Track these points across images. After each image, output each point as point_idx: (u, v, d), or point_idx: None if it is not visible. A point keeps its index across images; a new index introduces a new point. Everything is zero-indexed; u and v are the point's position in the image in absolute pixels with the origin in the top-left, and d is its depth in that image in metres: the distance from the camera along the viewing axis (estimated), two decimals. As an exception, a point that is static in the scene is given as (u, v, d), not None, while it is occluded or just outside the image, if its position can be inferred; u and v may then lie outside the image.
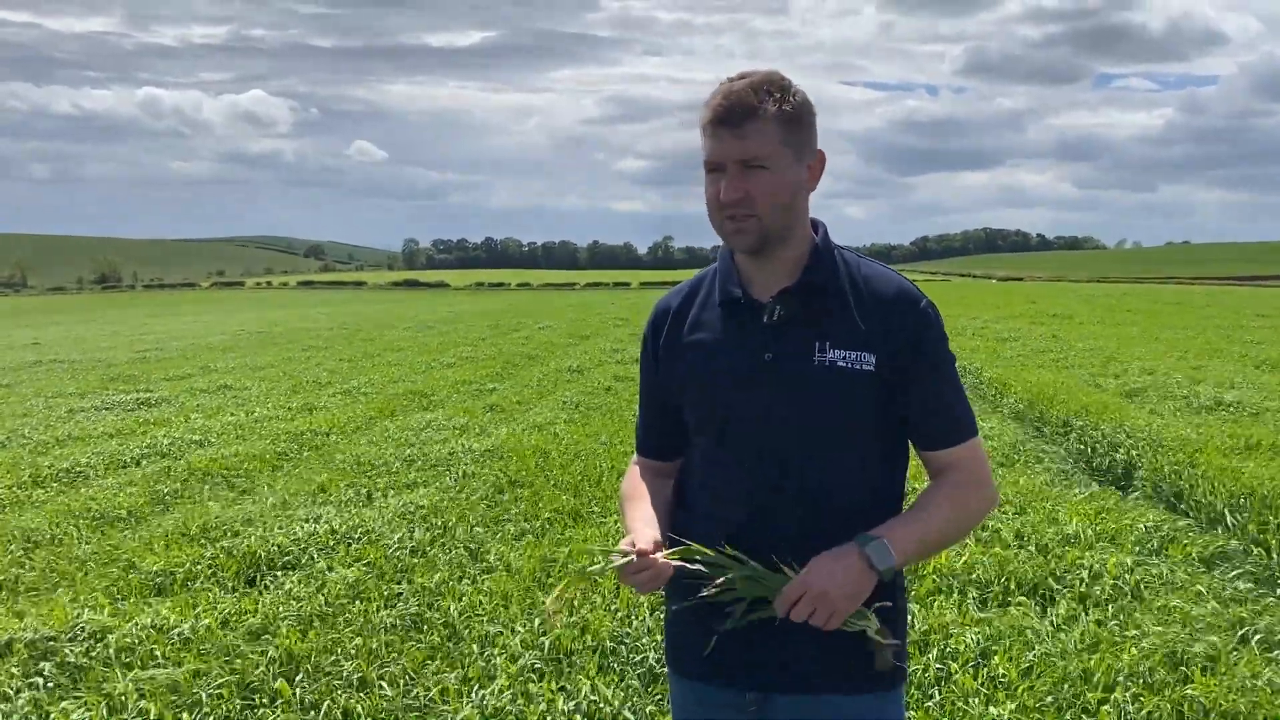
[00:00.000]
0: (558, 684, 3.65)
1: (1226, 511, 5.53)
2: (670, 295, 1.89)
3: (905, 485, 1.82)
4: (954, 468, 1.75)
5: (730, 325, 1.76)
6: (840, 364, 1.68)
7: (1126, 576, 4.63)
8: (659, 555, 1.64)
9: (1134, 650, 3.82)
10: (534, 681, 3.66)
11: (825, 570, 1.60)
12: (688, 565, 1.66)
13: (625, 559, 1.62)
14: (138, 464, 7.71)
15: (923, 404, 1.73)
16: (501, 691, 3.58)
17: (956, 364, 1.80)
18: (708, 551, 1.66)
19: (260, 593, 4.62)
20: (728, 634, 1.71)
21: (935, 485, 1.76)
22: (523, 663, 3.81)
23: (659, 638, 3.93)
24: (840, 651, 1.67)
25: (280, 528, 5.57)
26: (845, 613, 1.60)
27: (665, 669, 3.66)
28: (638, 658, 3.85)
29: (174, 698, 3.55)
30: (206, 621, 4.15)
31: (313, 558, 5.09)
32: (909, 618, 1.89)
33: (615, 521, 5.59)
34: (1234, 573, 4.77)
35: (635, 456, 1.99)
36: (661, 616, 4.08)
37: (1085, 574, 4.66)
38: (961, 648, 3.87)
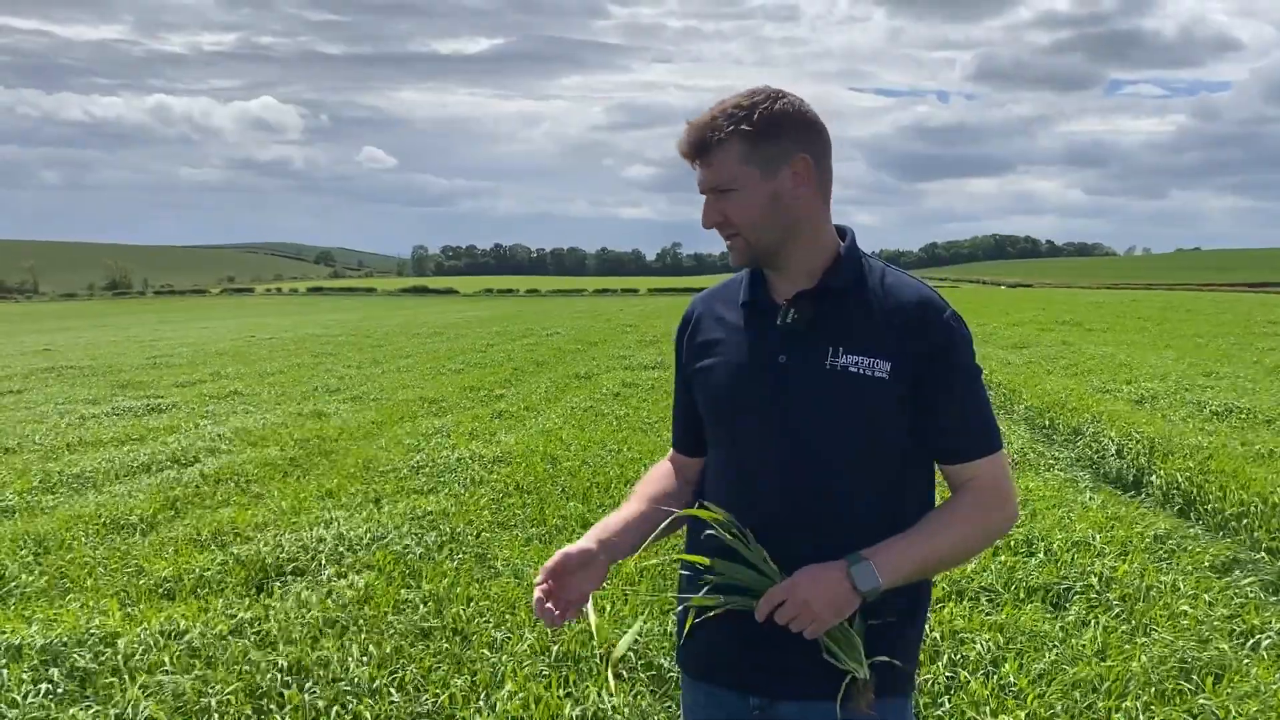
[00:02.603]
0: (565, 690, 3.65)
1: (1238, 518, 5.51)
2: (702, 295, 1.94)
3: (923, 492, 1.78)
4: (974, 483, 1.72)
5: (747, 327, 1.78)
6: (852, 369, 1.67)
7: (1137, 583, 4.61)
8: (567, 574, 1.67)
9: (1144, 658, 3.81)
10: (543, 688, 3.66)
11: (810, 579, 1.60)
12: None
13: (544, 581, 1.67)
14: (148, 470, 7.74)
15: (943, 416, 1.71)
16: (510, 697, 3.58)
17: (982, 375, 1.77)
18: (727, 521, 1.67)
19: (270, 599, 4.62)
20: (731, 638, 1.72)
21: (952, 501, 1.74)
22: (530, 669, 3.81)
23: (665, 644, 3.92)
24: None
25: (290, 534, 5.58)
26: (827, 623, 1.59)
27: (672, 674, 3.67)
28: (644, 662, 3.84)
29: (182, 704, 3.56)
30: (216, 628, 4.16)
31: (322, 564, 5.09)
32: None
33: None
34: (1246, 580, 4.75)
35: (670, 452, 2.01)
36: (668, 621, 4.08)
37: (1096, 580, 4.64)
38: (972, 655, 3.85)
